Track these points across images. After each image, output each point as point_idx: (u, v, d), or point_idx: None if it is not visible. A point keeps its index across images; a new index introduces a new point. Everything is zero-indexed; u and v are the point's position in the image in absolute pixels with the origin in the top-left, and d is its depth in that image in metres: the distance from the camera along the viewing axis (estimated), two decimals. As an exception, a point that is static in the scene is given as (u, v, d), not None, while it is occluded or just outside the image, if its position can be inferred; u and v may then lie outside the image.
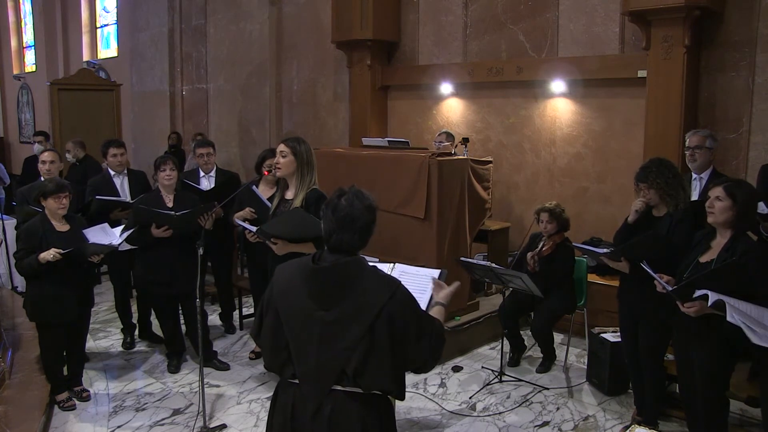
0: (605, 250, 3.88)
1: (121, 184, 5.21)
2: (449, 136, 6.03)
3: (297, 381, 2.10)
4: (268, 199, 4.32)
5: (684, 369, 3.37)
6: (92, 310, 4.50)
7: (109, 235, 4.17)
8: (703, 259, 3.18)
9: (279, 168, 3.79)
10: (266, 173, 4.75)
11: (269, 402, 4.21)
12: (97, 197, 4.95)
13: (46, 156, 5.03)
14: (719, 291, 2.87)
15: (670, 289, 3.11)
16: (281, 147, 3.81)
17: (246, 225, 4.07)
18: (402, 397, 2.16)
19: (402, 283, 2.11)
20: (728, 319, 2.81)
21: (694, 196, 4.00)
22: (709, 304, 2.86)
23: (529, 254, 4.69)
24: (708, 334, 3.11)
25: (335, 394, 2.04)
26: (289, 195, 3.87)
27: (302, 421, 2.07)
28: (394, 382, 2.07)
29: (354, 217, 2.07)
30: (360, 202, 2.10)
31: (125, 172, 5.26)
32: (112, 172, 5.21)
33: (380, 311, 2.00)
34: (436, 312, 2.38)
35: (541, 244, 4.74)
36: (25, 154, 11.63)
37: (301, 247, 3.41)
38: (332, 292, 2.05)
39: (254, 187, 4.59)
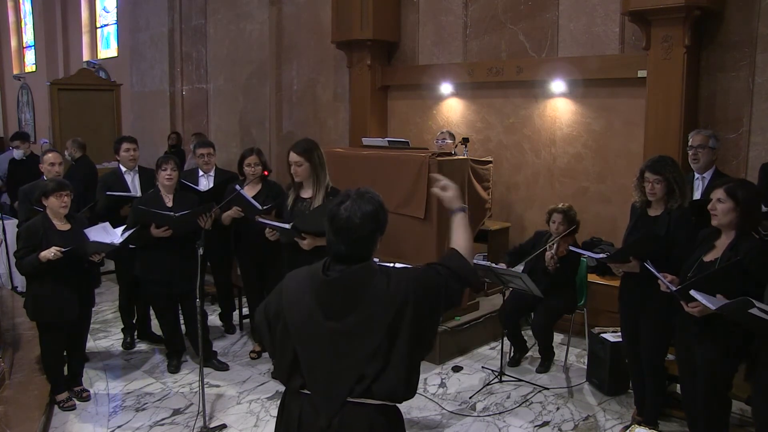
0: (602, 255, 3.88)
1: (132, 180, 5.21)
2: (451, 135, 6.04)
3: (305, 392, 2.01)
4: (254, 197, 4.63)
5: (686, 369, 3.37)
6: (92, 309, 4.49)
7: (110, 235, 4.17)
8: (707, 258, 3.17)
9: (298, 176, 4.10)
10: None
11: (269, 402, 4.25)
12: (107, 193, 4.96)
13: (52, 158, 5.02)
14: (723, 291, 2.87)
15: (674, 288, 3.10)
16: (294, 157, 4.07)
17: (274, 223, 4.17)
18: (411, 396, 2.08)
19: (409, 271, 2.05)
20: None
21: (696, 196, 4.00)
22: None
23: (548, 254, 4.62)
24: (711, 334, 3.11)
25: (345, 405, 1.96)
26: (304, 194, 4.15)
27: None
28: (408, 385, 2.01)
29: (350, 228, 1.94)
30: (360, 210, 1.95)
31: (136, 168, 5.26)
32: (123, 169, 5.21)
33: (398, 311, 1.93)
34: (460, 222, 2.28)
35: (555, 245, 4.67)
36: (24, 154, 11.60)
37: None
38: (343, 302, 1.95)
39: (241, 189, 4.66)
